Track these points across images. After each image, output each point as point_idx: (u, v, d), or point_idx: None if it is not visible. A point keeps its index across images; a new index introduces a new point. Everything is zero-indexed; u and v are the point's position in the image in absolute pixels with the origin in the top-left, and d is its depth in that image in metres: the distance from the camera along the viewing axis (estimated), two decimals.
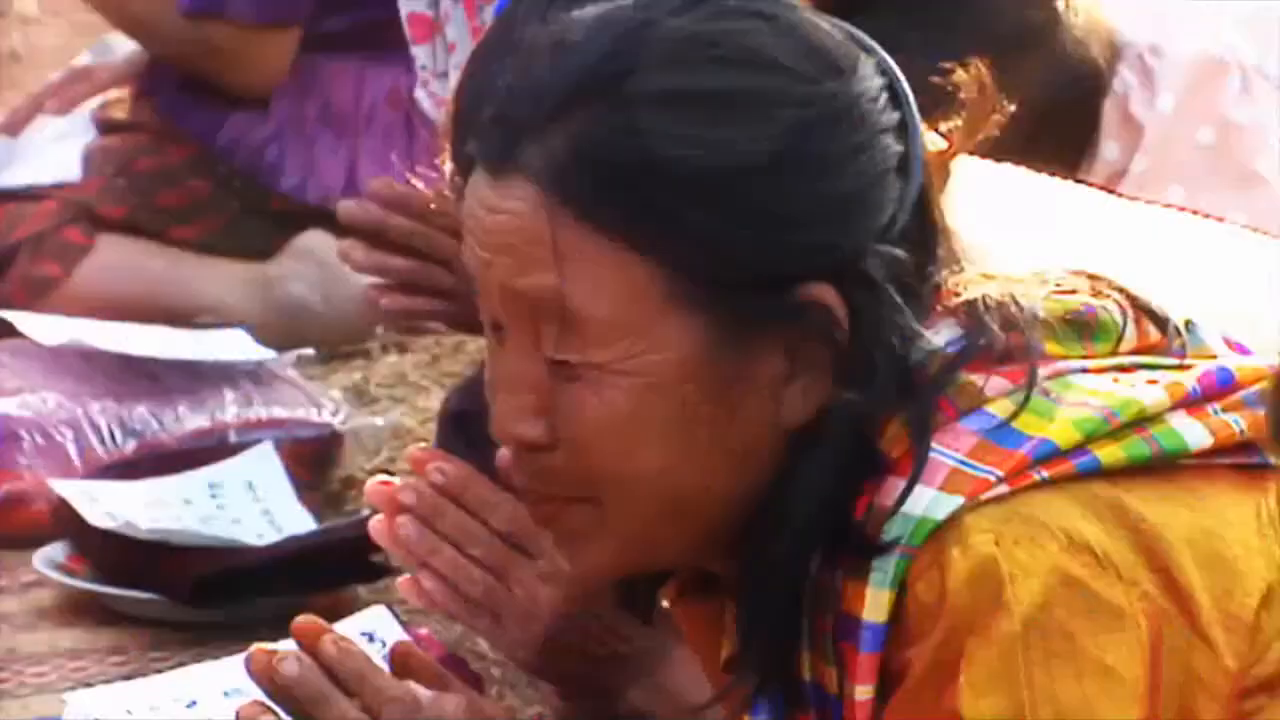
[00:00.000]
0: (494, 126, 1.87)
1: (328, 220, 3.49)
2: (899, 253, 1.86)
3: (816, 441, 1.88)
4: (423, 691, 1.99)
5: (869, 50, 1.90)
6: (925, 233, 1.89)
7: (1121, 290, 1.95)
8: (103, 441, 3.49)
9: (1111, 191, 2.41)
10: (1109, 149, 2.50)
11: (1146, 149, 2.51)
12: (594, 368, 1.85)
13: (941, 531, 1.84)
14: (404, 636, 2.49)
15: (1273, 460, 1.87)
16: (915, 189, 1.88)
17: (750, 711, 1.94)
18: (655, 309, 1.85)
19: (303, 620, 2.01)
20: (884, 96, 1.88)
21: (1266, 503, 1.59)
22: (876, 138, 1.87)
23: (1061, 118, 2.36)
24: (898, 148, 1.88)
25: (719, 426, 1.88)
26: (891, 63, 1.91)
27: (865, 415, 1.87)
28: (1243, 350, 1.97)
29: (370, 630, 2.57)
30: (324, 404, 3.59)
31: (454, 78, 3.17)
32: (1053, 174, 2.24)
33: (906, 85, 1.90)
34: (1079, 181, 2.38)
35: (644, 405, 1.86)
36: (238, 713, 1.99)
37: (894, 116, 1.88)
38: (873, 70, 1.89)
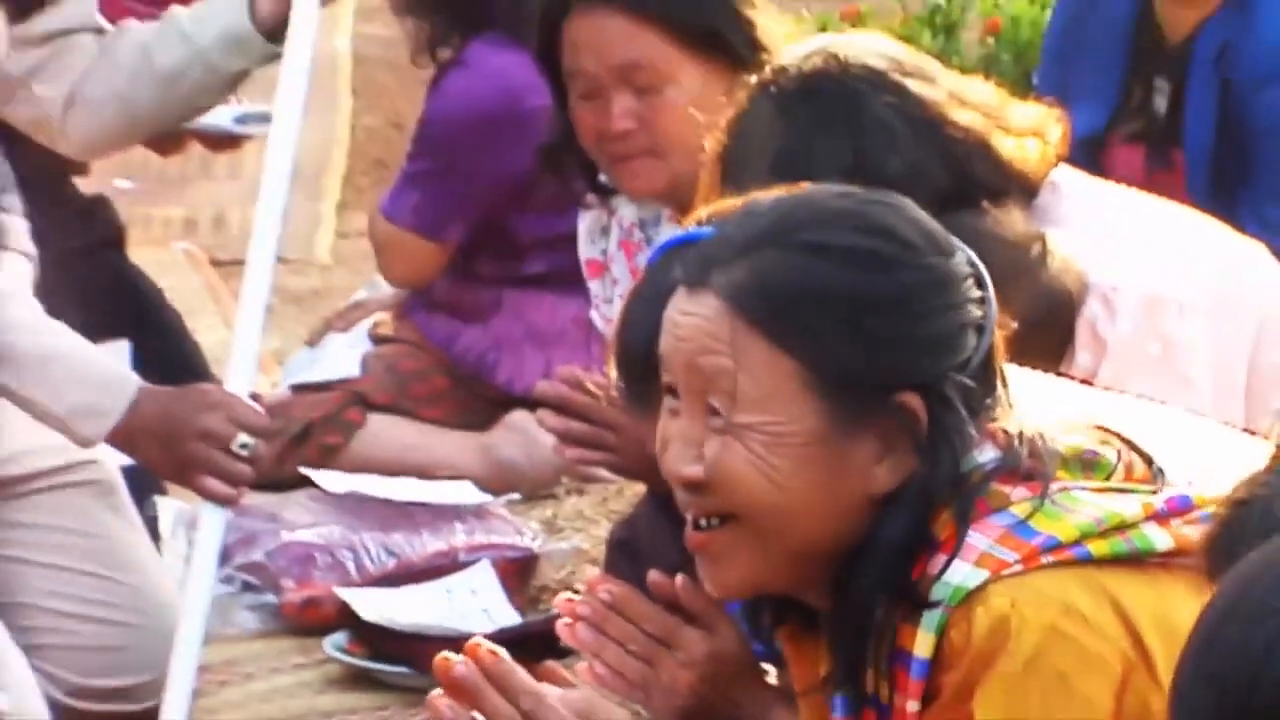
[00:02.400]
0: (695, 259, 1.90)
1: (529, 405, 3.48)
2: (970, 383, 1.86)
3: (894, 508, 1.87)
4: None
5: (963, 250, 1.91)
6: (989, 377, 1.89)
7: (1123, 439, 1.94)
8: (371, 561, 3.48)
9: (1089, 384, 2.40)
10: (1083, 358, 2.48)
11: (1111, 358, 2.49)
12: (742, 427, 1.86)
13: (972, 595, 1.84)
14: None
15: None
16: (986, 345, 1.88)
17: (834, 710, 1.95)
18: (792, 393, 1.86)
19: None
20: (971, 280, 1.89)
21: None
22: (964, 303, 1.88)
23: (1042, 332, 2.33)
24: (978, 314, 1.88)
25: (827, 483, 1.87)
26: (978, 260, 1.92)
27: (928, 496, 1.86)
28: (1191, 483, 1.95)
29: None
30: (525, 533, 3.56)
31: (617, 304, 3.17)
32: (1050, 369, 2.22)
33: (989, 277, 1.91)
34: (1061, 375, 2.36)
35: (774, 458, 1.86)
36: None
37: (977, 294, 1.89)
38: (965, 261, 1.90)
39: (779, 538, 1.89)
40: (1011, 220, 2.45)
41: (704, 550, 1.93)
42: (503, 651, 2.16)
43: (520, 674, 2.02)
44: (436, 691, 2.08)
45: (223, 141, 3.95)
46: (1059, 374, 2.33)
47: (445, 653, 2.09)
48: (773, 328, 1.85)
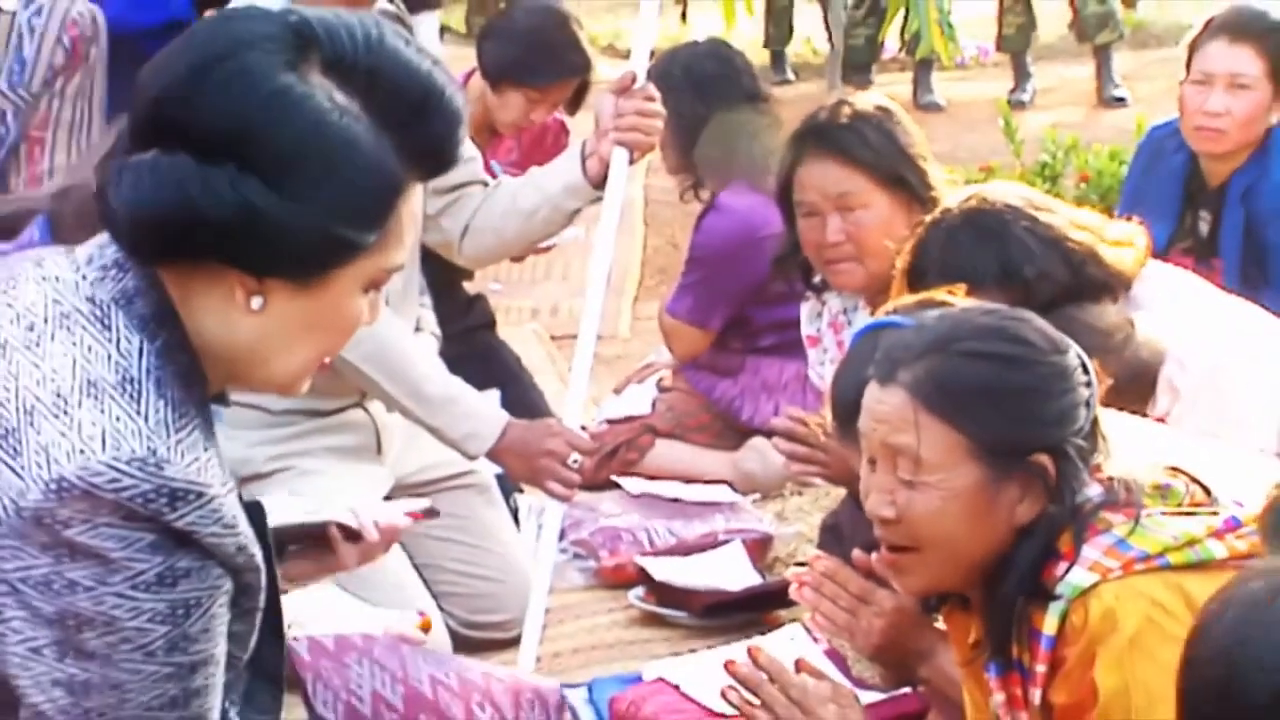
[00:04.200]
0: (884, 361, 1.84)
1: (765, 434, 3.43)
2: (1084, 444, 1.80)
3: (1030, 534, 1.81)
4: (809, 680, 1.96)
5: (1073, 346, 1.85)
6: (1095, 437, 1.83)
7: (1189, 475, 1.86)
8: (659, 539, 3.42)
9: (1163, 421, 2.32)
10: (1163, 400, 2.39)
11: (1183, 403, 2.40)
12: (924, 484, 1.80)
13: (1086, 592, 1.77)
14: (809, 639, 2.40)
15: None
16: (1092, 414, 1.82)
17: (987, 670, 1.87)
18: (960, 459, 1.80)
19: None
20: (1081, 368, 1.82)
21: None
22: (1078, 386, 1.81)
23: (1128, 391, 2.25)
24: (1086, 393, 1.81)
25: (982, 520, 1.81)
26: (1083, 353, 1.84)
27: (1055, 523, 1.80)
28: (1240, 505, 1.85)
29: (791, 635, 2.48)
30: (763, 520, 3.49)
31: (828, 367, 3.13)
32: (1131, 413, 2.14)
33: (1091, 364, 1.84)
34: (1144, 416, 2.29)
35: (946, 505, 1.81)
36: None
37: (1085, 378, 1.82)
38: (1075, 354, 1.83)
39: (948, 558, 1.83)
40: (1105, 313, 2.38)
41: (893, 567, 1.88)
42: (784, 640, 2.13)
43: (789, 672, 1.97)
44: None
45: (540, 250, 4.03)
46: (1143, 414, 2.27)
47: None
48: (944, 412, 1.80)
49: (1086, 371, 1.84)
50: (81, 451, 1.32)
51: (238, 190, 1.33)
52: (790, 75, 7.50)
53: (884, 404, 1.83)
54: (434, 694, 1.95)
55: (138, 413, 1.34)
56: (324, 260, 1.38)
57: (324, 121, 1.35)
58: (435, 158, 1.41)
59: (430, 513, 2.18)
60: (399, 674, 1.91)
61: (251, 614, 1.42)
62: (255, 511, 1.44)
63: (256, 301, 1.39)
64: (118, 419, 1.33)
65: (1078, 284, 2.36)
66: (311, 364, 1.43)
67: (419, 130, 1.38)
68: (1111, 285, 2.42)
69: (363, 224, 1.38)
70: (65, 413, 1.33)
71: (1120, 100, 6.83)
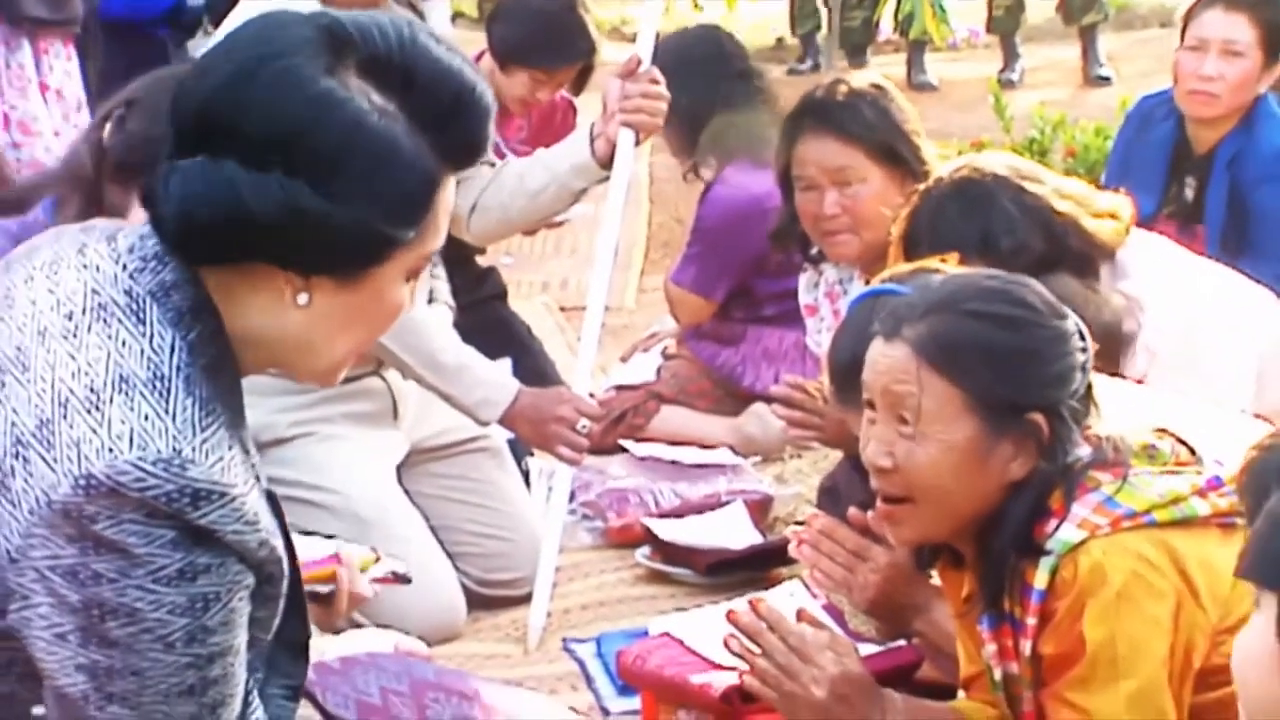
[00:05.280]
0: (889, 318, 1.83)
1: (765, 400, 3.42)
2: (1077, 405, 1.79)
3: (1022, 490, 1.80)
4: (808, 629, 1.95)
5: (1070, 313, 1.84)
6: (1087, 399, 1.81)
7: (1175, 436, 1.85)
8: (664, 500, 3.42)
9: (1140, 383, 2.31)
10: (1141, 360, 2.38)
11: (1159, 365, 2.39)
12: (921, 436, 1.79)
13: (1076, 548, 1.76)
14: (809, 594, 2.39)
15: (1239, 521, 1.75)
16: (1087, 378, 1.81)
17: (979, 623, 1.86)
18: (957, 413, 1.79)
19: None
20: (1077, 333, 1.81)
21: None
22: (1075, 350, 1.79)
23: (1105, 349, 2.23)
24: (1082, 357, 1.80)
25: (977, 474, 1.80)
26: (1080, 320, 1.83)
27: (1046, 481, 1.79)
28: (1222, 464, 1.84)
29: (791, 591, 2.47)
30: (763, 482, 3.48)
31: (825, 335, 3.12)
32: (1108, 373, 2.13)
33: (1087, 330, 1.83)
34: (1121, 376, 2.28)
35: (943, 457, 1.79)
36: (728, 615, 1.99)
37: (1082, 343, 1.80)
38: (1072, 320, 1.81)
39: (942, 510, 1.82)
40: (1065, 284, 2.36)
41: (889, 518, 1.87)
42: (784, 595, 2.12)
43: (788, 621, 1.96)
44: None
45: (554, 224, 4.06)
46: (1114, 374, 2.26)
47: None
48: (946, 368, 1.78)
49: (1083, 337, 1.83)
50: (110, 450, 1.32)
51: (286, 193, 1.33)
52: (817, 61, 7.12)
53: (887, 357, 1.82)
54: (438, 678, 1.97)
55: (166, 411, 1.33)
56: (368, 257, 1.38)
57: (365, 124, 1.34)
58: (468, 152, 1.41)
59: (402, 578, 2.20)
60: (403, 672, 1.95)
61: (274, 600, 1.43)
62: (271, 500, 1.44)
63: (302, 298, 1.39)
64: (146, 417, 1.33)
65: (1056, 255, 2.35)
66: (352, 354, 1.43)
67: (453, 127, 1.38)
68: (1092, 256, 2.41)
69: (404, 221, 1.38)
70: (97, 408, 1.33)
71: (1105, 79, 6.81)
